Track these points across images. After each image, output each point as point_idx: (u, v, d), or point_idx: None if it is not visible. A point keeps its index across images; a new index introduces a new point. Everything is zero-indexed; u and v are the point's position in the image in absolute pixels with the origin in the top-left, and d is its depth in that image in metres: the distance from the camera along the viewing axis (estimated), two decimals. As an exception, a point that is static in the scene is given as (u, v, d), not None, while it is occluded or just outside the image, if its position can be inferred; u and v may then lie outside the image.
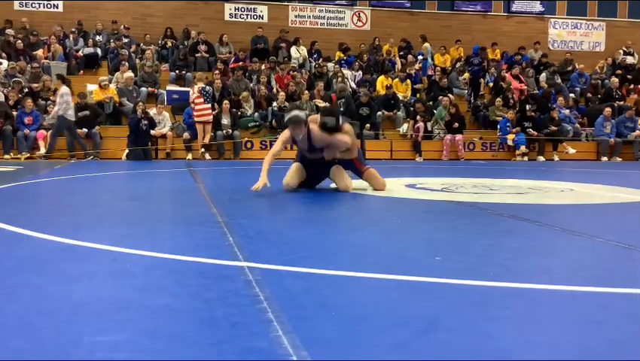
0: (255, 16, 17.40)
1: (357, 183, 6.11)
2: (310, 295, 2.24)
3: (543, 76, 16.36)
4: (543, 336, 1.83)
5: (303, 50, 16.28)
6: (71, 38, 15.24)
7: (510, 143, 13.73)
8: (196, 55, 15.46)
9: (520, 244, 3.42)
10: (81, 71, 14.79)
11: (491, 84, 15.73)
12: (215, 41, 16.02)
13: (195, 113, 12.31)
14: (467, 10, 18.70)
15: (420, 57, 16.55)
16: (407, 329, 1.86)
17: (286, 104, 13.32)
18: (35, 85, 12.97)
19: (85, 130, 11.86)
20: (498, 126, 14.01)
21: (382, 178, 6.08)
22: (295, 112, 5.74)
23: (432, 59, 16.66)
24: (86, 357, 1.62)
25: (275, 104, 13.42)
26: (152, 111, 12.31)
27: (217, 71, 13.96)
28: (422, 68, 16.21)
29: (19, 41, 14.34)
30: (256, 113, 13.34)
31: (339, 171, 5.85)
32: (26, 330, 1.83)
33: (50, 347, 1.70)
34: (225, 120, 12.62)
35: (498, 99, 14.55)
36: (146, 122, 11.73)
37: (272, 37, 16.59)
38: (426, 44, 16.89)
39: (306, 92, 13.62)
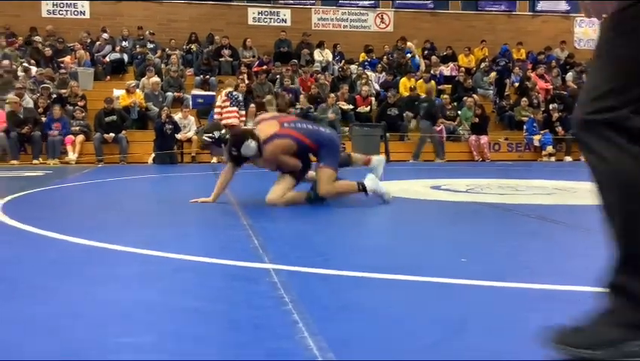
0: (278, 20, 17.46)
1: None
2: (336, 297, 2.23)
3: (569, 75, 16.15)
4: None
5: (327, 53, 16.28)
6: (97, 45, 15.45)
7: (536, 143, 13.58)
8: (220, 59, 15.56)
9: (548, 246, 3.37)
10: (108, 77, 15.02)
11: (516, 84, 15.57)
12: (239, 45, 16.11)
13: (221, 117, 12.17)
14: (492, 10, 18.54)
15: (409, 55, 16.40)
16: (433, 331, 1.84)
17: (310, 106, 13.36)
18: (63, 91, 13.17)
19: (112, 135, 12.01)
20: (524, 127, 13.86)
21: (334, 187, 4.95)
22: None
23: (417, 56, 16.53)
24: (112, 358, 1.63)
25: (297, 105, 13.45)
26: (177, 116, 12.40)
27: (242, 76, 13.99)
28: (412, 64, 16.11)
29: (47, 48, 14.59)
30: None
31: (321, 174, 4.99)
32: (53, 332, 1.85)
33: (76, 348, 1.71)
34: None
35: (524, 99, 14.41)
36: (170, 126, 11.84)
37: (296, 40, 16.63)
38: (409, 43, 16.70)
39: (332, 95, 13.59)
